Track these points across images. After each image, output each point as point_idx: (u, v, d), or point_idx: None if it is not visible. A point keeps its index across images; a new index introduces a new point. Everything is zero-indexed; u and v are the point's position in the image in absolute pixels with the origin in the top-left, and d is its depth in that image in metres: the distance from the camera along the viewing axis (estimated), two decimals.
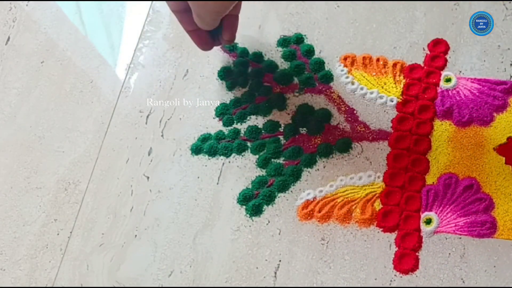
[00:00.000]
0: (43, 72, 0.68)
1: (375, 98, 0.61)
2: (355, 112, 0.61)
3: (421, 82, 0.62)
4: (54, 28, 0.71)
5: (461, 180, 0.56)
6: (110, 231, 0.59)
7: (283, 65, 0.65)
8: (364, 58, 0.64)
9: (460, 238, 0.54)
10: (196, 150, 0.61)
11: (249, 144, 0.61)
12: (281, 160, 0.60)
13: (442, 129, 0.58)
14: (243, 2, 0.68)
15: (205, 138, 0.62)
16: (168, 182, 0.60)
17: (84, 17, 0.71)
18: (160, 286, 0.56)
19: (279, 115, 0.62)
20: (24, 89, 0.67)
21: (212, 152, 0.61)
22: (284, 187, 0.58)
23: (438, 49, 0.62)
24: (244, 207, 0.58)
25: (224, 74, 0.65)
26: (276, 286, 0.54)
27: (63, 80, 0.67)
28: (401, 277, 0.53)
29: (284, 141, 0.61)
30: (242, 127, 0.62)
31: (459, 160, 0.57)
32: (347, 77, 0.63)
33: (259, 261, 0.55)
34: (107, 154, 0.63)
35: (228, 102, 0.63)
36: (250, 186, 0.59)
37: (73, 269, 0.58)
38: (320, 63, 0.64)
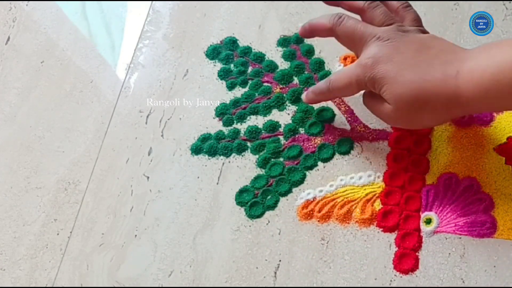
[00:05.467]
0: (43, 72, 0.68)
1: None
2: (355, 112, 0.61)
3: None
4: (54, 28, 0.71)
5: (461, 180, 0.56)
6: (110, 231, 0.59)
7: (283, 65, 0.65)
8: None
9: (460, 238, 0.54)
10: (196, 150, 0.61)
11: (249, 144, 0.61)
12: (281, 160, 0.60)
13: (442, 129, 0.58)
14: (243, 2, 0.68)
15: (205, 138, 0.62)
16: (168, 182, 0.60)
17: (84, 17, 0.71)
18: (160, 286, 0.56)
19: (279, 115, 0.62)
20: (24, 89, 0.67)
21: (212, 152, 0.61)
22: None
23: None
24: (244, 207, 0.58)
25: (224, 74, 0.65)
26: (276, 286, 0.54)
27: (63, 80, 0.67)
28: (401, 277, 0.53)
29: (284, 141, 0.61)
30: (242, 127, 0.62)
31: (459, 160, 0.57)
32: None
33: (259, 261, 0.55)
34: (107, 154, 0.63)
35: (228, 102, 0.63)
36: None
37: (73, 269, 0.57)
38: (320, 63, 0.64)
